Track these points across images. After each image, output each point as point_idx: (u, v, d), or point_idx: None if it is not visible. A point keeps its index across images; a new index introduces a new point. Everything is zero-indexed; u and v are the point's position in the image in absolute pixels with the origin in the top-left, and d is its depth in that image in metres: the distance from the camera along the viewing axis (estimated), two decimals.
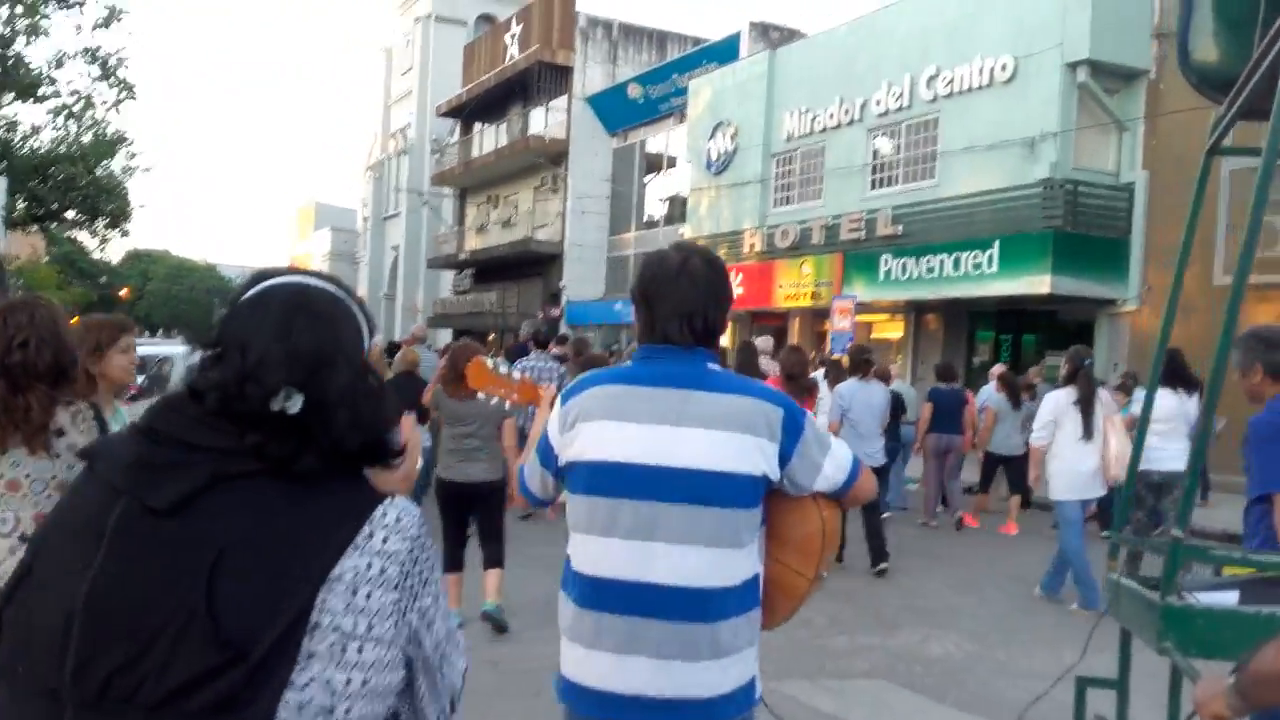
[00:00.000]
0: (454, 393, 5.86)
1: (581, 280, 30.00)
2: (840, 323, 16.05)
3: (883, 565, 7.66)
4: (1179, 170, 13.78)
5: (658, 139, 28.57)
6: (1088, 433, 6.53)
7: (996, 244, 14.45)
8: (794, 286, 18.71)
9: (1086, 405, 6.56)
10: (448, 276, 39.48)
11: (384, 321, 45.11)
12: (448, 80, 40.07)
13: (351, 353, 1.27)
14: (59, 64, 10.17)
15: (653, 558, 1.91)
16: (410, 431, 6.26)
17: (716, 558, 1.91)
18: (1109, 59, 13.92)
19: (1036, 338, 16.15)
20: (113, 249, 72.86)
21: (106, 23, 9.85)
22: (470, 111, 36.50)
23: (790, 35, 23.19)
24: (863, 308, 16.35)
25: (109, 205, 18.81)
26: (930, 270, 15.57)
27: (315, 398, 1.19)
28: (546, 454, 2.10)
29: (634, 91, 28.33)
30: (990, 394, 10.63)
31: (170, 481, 1.12)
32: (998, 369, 11.74)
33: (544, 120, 32.26)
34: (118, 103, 10.20)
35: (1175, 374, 6.90)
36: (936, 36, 16.26)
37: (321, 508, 1.15)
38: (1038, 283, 13.77)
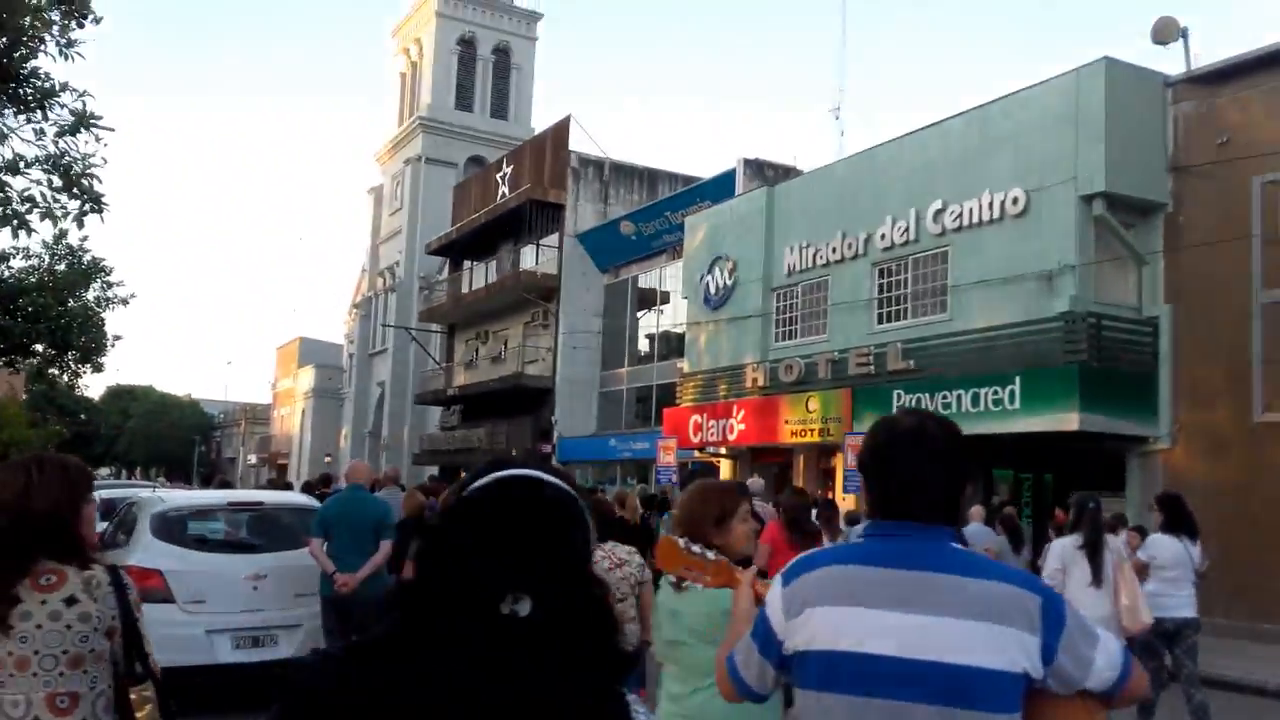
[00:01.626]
0: None
1: (573, 416, 29.30)
2: (854, 460, 15.29)
3: None
4: (1204, 303, 13.38)
5: (650, 275, 28.43)
6: (1096, 579, 6.23)
7: (1018, 379, 13.85)
8: (800, 423, 18.00)
9: (1094, 551, 6.28)
10: (435, 413, 38.69)
11: (369, 460, 44.01)
12: (437, 219, 40.40)
13: (581, 557, 1.27)
14: (14, 170, 9.25)
15: None
16: None
17: None
18: (1125, 191, 13.69)
19: (1055, 476, 15.34)
20: (93, 385, 71.98)
21: (74, 129, 9.04)
22: (460, 249, 36.58)
23: (785, 172, 23.26)
24: None
25: (81, 338, 17.91)
26: (946, 405, 14.90)
27: (546, 603, 1.19)
28: (767, 641, 1.91)
29: (626, 228, 28.35)
30: (987, 534, 9.95)
31: None
32: (977, 509, 11.19)
33: (535, 257, 32.21)
34: (82, 214, 9.17)
35: (1177, 519, 6.85)
36: (941, 171, 16.11)
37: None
38: (1065, 420, 13.11)
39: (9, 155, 9.17)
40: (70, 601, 2.35)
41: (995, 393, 14.12)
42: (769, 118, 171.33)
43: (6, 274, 16.61)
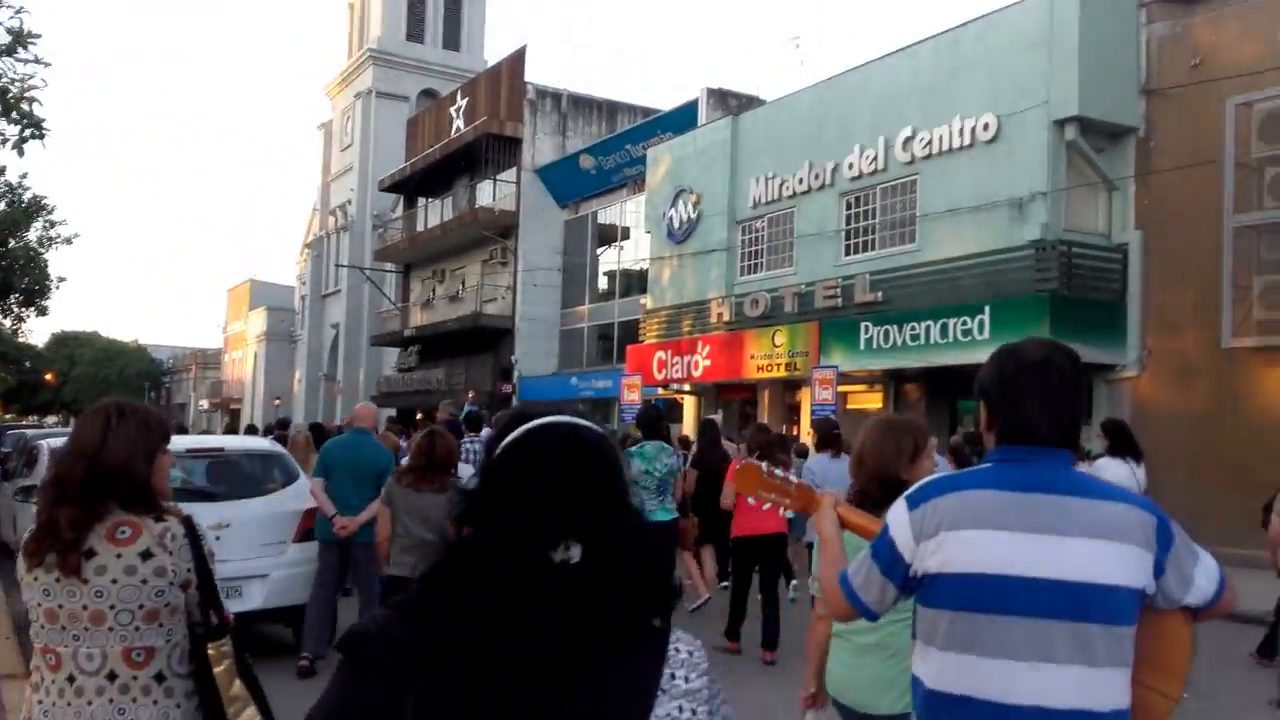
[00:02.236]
0: (416, 483, 5.63)
1: (534, 355, 28.91)
2: (821, 394, 15.15)
3: None
4: (1174, 229, 13.26)
5: (611, 210, 27.89)
6: None
7: (987, 309, 13.70)
8: (766, 357, 17.78)
9: None
10: (392, 355, 38.02)
11: (322, 403, 43.30)
12: (389, 156, 39.27)
13: (621, 497, 1.30)
14: None
15: (1041, 678, 1.81)
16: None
17: (1103, 680, 1.81)
18: (1097, 116, 13.44)
19: None
20: (37, 331, 70.00)
21: (9, 49, 8.32)
22: (414, 186, 35.63)
23: (749, 102, 22.71)
24: (840, 378, 15.44)
25: (24, 280, 17.13)
26: (915, 338, 14.76)
27: (596, 546, 1.21)
28: (891, 563, 1.96)
29: (586, 162, 27.70)
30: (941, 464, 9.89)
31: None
32: (932, 440, 11.15)
33: (492, 193, 31.43)
34: (21, 141, 8.46)
35: (1122, 444, 6.98)
36: (910, 98, 15.73)
37: (621, 657, 1.19)
38: None
39: None
40: (145, 555, 2.29)
41: (964, 323, 13.96)
42: (730, 48, 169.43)
43: None
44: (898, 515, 1.96)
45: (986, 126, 14.41)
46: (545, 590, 1.19)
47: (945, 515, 1.88)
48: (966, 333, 13.90)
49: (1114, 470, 6.78)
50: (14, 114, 8.24)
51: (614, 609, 1.20)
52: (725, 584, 9.11)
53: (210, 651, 2.37)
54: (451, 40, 46.42)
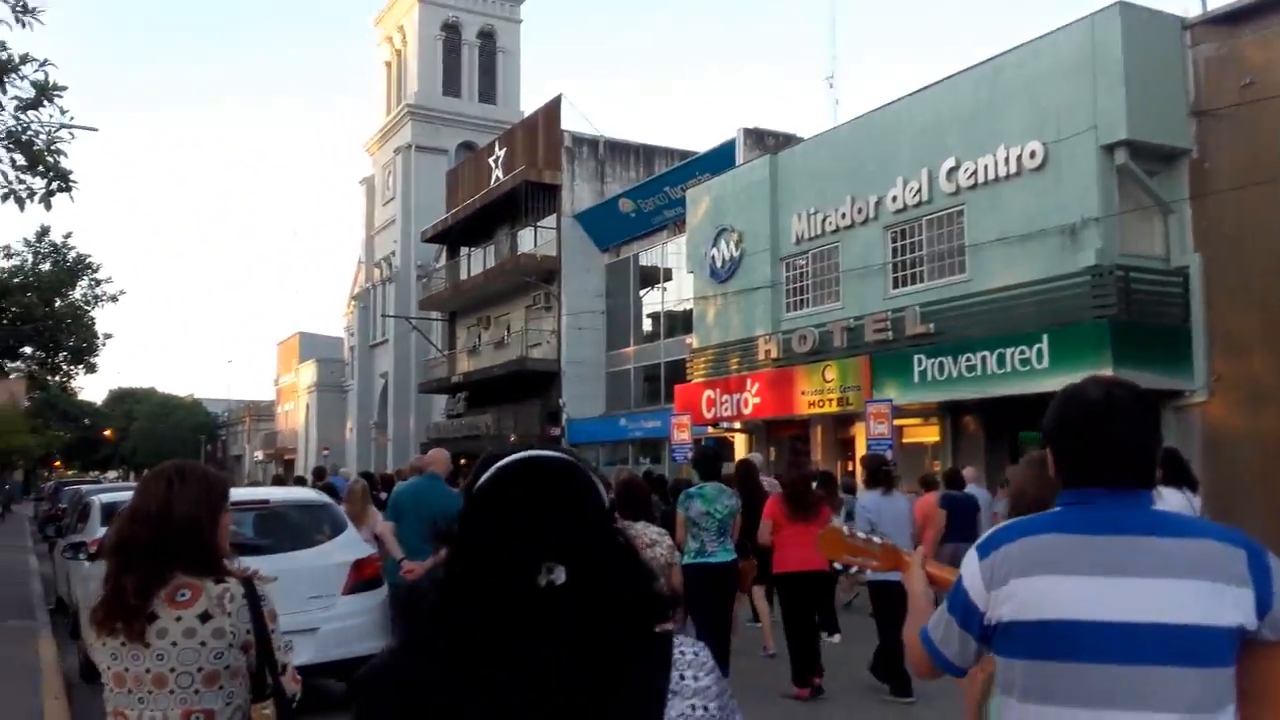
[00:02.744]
0: None
1: (581, 398, 28.95)
2: (877, 428, 14.97)
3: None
4: (1235, 251, 12.97)
5: (651, 252, 28.00)
6: None
7: (1045, 338, 13.46)
8: (817, 393, 17.62)
9: None
10: (440, 401, 38.33)
11: (373, 451, 43.70)
12: (431, 207, 39.92)
13: (599, 517, 1.34)
14: None
15: None
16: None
17: None
18: (1147, 139, 13.24)
19: None
20: (93, 387, 71.59)
21: (35, 102, 8.40)
22: (455, 235, 36.12)
23: (786, 140, 22.77)
24: (894, 411, 15.24)
25: (71, 338, 17.46)
26: (971, 368, 14.54)
27: (579, 566, 1.26)
28: (968, 614, 1.92)
29: (625, 206, 27.89)
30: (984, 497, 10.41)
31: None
32: (970, 470, 11.49)
33: (533, 239, 31.75)
34: (49, 194, 8.50)
35: (1177, 473, 6.78)
36: (952, 128, 15.64)
37: (627, 667, 1.24)
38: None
39: None
40: (204, 617, 2.30)
41: (1022, 353, 13.73)
42: (762, 90, 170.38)
43: None
44: (970, 565, 1.94)
45: (1033, 154, 14.26)
46: (535, 614, 1.23)
47: (1014, 562, 1.85)
48: (1025, 362, 13.66)
49: (1171, 500, 6.54)
50: (40, 166, 8.31)
51: (607, 624, 1.25)
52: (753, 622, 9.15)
53: (253, 715, 2.37)
54: (487, 93, 47.29)
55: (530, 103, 43.38)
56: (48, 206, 8.53)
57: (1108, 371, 12.60)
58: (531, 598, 1.24)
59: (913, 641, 2.09)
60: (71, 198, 8.70)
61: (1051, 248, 13.99)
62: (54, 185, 8.43)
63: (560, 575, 1.24)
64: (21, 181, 8.43)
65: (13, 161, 8.40)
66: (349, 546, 7.10)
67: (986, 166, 14.98)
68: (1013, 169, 14.59)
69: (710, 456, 8.33)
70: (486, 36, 47.49)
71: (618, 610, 1.26)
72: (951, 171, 15.58)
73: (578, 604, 1.24)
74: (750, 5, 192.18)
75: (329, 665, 6.76)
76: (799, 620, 7.40)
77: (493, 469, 1.34)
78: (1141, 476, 1.85)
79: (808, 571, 7.30)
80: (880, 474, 7.71)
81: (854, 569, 2.36)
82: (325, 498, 8.30)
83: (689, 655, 1.28)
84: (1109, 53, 13.31)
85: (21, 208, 8.40)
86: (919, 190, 16.17)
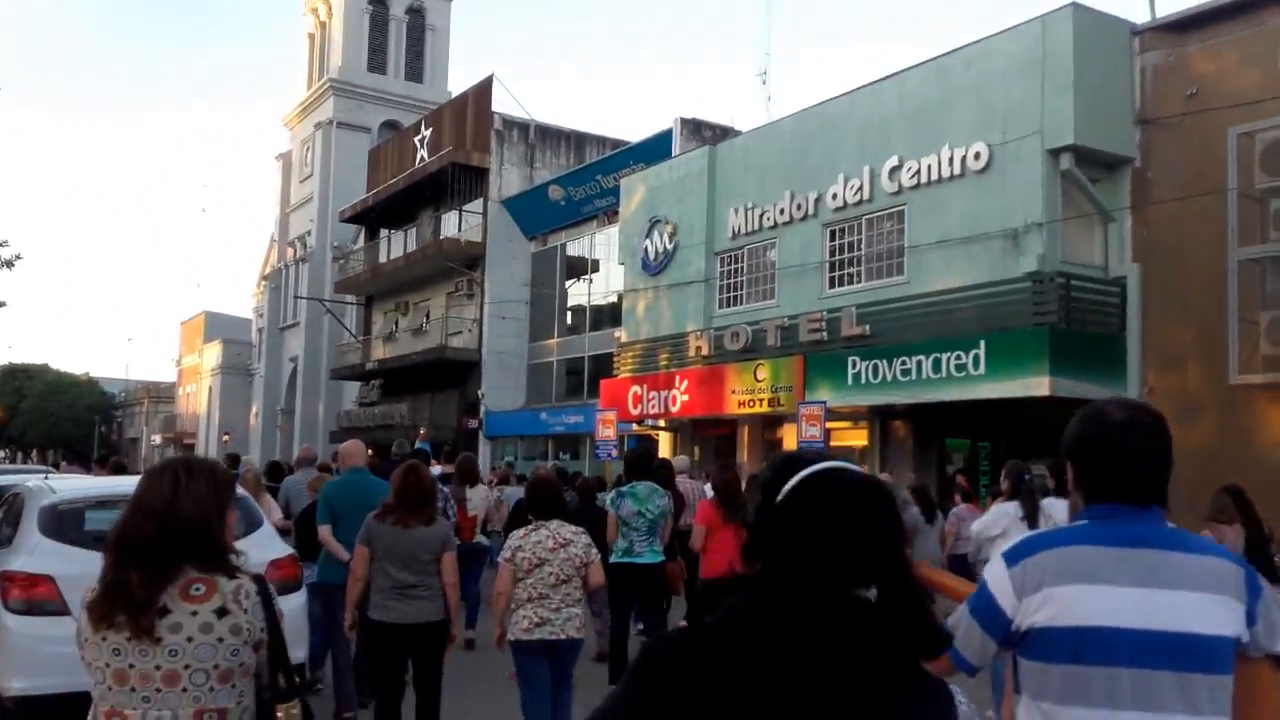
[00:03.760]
0: (403, 520, 5.36)
1: (501, 390, 28.07)
2: (809, 430, 14.52)
3: None
4: (1173, 262, 12.89)
5: (580, 242, 27.28)
6: None
7: (983, 343, 13.19)
8: (747, 392, 17.14)
9: (1032, 521, 6.49)
10: (352, 389, 36.92)
11: (280, 438, 41.95)
12: (350, 186, 38.48)
13: (902, 543, 1.38)
14: None
15: None
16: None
17: None
18: (1093, 145, 13.07)
19: (1014, 443, 14.76)
20: None
21: None
22: (376, 217, 34.80)
23: (723, 133, 22.31)
24: (826, 414, 14.84)
25: None
26: (905, 372, 14.22)
27: (888, 587, 1.32)
28: (992, 620, 2.00)
29: (555, 193, 27.10)
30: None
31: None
32: (884, 476, 11.18)
33: (458, 224, 30.69)
34: None
35: (1065, 484, 6.47)
36: (897, 126, 15.32)
37: (917, 696, 1.31)
38: (1035, 384, 12.49)
39: None
40: (221, 613, 2.26)
41: (958, 358, 13.44)
42: (696, 82, 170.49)
43: None
44: (996, 573, 2.02)
45: (978, 155, 14.00)
46: (846, 627, 1.29)
47: (1048, 571, 1.95)
48: (961, 367, 13.37)
49: (1061, 510, 6.64)
50: None
51: (907, 648, 1.30)
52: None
53: (279, 715, 2.33)
54: (414, 72, 45.87)
55: (458, 84, 42.26)
56: None
57: (1045, 380, 12.41)
58: (846, 610, 1.28)
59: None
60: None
61: (993, 252, 13.74)
62: None
63: (873, 594, 1.29)
64: None
65: None
66: (264, 545, 6.34)
67: (930, 166, 14.68)
68: (956, 170, 14.31)
69: (643, 456, 8.22)
70: (415, 13, 46.05)
71: (914, 637, 1.29)
72: (894, 170, 15.25)
73: (884, 623, 1.27)
74: None
75: None
76: None
77: (801, 476, 1.37)
78: (1158, 494, 2.01)
79: (740, 575, 6.86)
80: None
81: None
82: (237, 489, 7.38)
83: (964, 707, 1.37)
84: (1059, 55, 13.11)
85: None
86: (860, 188, 15.81)
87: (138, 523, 2.31)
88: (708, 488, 11.62)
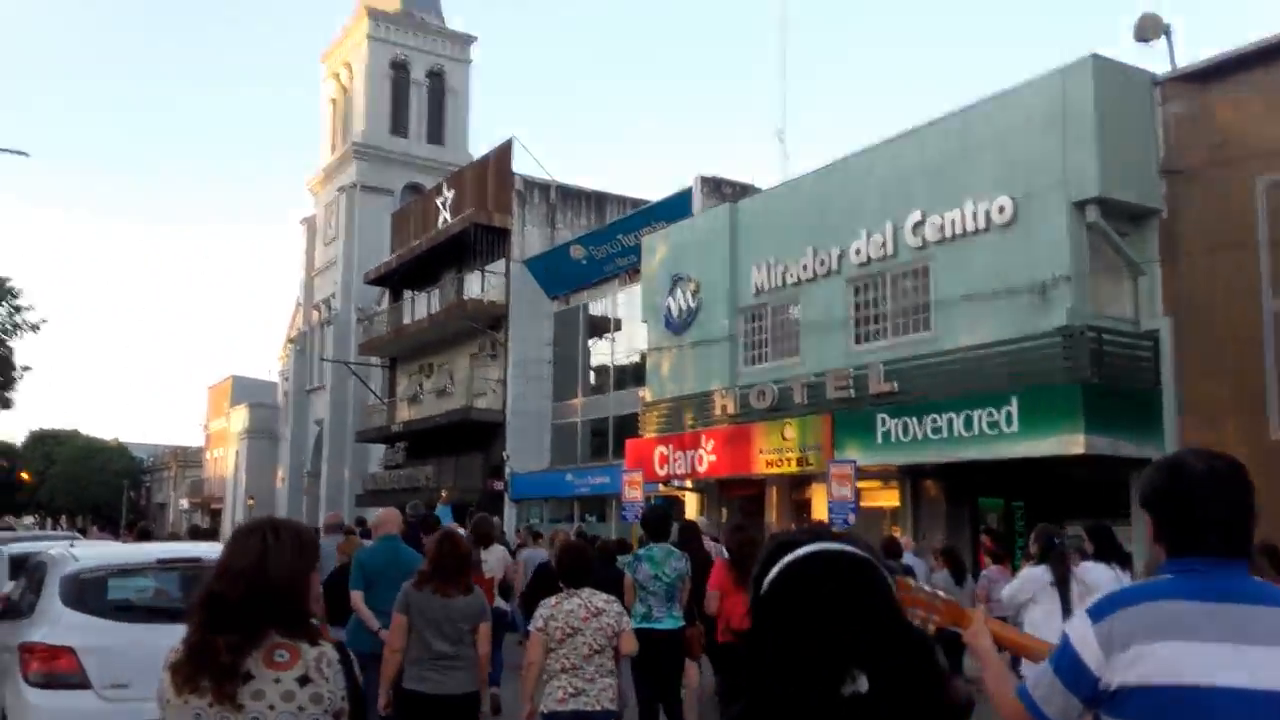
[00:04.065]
0: (442, 589, 5.32)
1: (526, 451, 27.92)
2: (839, 490, 14.26)
3: None
4: (1206, 315, 12.63)
5: (602, 301, 27.30)
6: (1067, 610, 6.16)
7: (1014, 400, 12.93)
8: (775, 452, 16.89)
9: (1063, 586, 6.31)
10: (377, 451, 36.91)
11: (307, 502, 41.92)
12: (374, 249, 38.90)
13: (895, 618, 1.33)
14: None
15: None
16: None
17: None
18: (1118, 196, 12.91)
19: (1049, 502, 14.39)
20: (12, 427, 68.37)
21: None
22: (399, 279, 35.12)
23: (743, 190, 22.33)
24: (856, 473, 14.57)
25: None
26: (936, 430, 13.95)
27: (881, 674, 1.24)
28: (1077, 678, 1.94)
29: (577, 253, 27.20)
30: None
31: None
32: (906, 540, 11.83)
33: (480, 284, 30.90)
34: None
35: (1108, 548, 6.79)
36: (918, 181, 15.24)
37: None
38: (1070, 442, 12.19)
39: None
40: (303, 680, 2.23)
41: (990, 414, 13.17)
42: (714, 143, 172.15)
43: None
44: (1080, 629, 1.97)
45: (1002, 209, 13.87)
46: None
47: (1137, 627, 1.89)
48: (993, 425, 13.10)
49: (1098, 575, 6.47)
50: None
51: None
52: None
53: None
54: (435, 135, 46.59)
55: (479, 146, 42.81)
56: None
57: (1080, 438, 12.11)
58: (834, 709, 1.22)
59: (1007, 701, 2.11)
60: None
61: (1021, 306, 13.54)
62: None
63: (863, 684, 1.23)
64: None
65: None
66: None
67: (953, 220, 14.55)
68: (981, 224, 14.17)
69: (659, 516, 7.90)
70: (436, 77, 46.91)
71: (923, 716, 1.24)
72: (917, 225, 15.14)
73: (881, 715, 1.22)
74: (703, 58, 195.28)
75: None
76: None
77: (781, 565, 1.34)
78: (1242, 547, 1.95)
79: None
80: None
81: (916, 622, 2.30)
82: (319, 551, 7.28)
83: None
84: (1080, 107, 13.02)
85: None
86: (884, 244, 15.69)
87: (226, 585, 2.27)
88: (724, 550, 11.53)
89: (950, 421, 13.75)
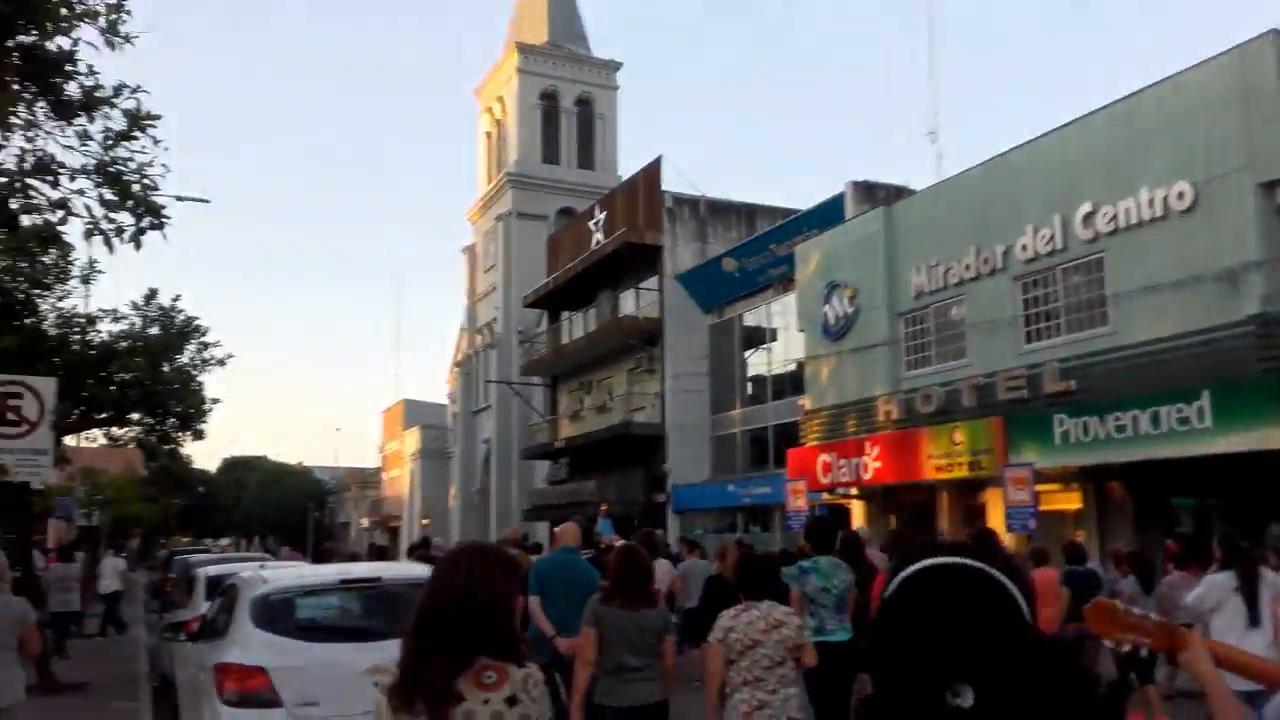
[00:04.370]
0: (628, 604, 5.39)
1: (685, 462, 28.21)
2: (1017, 494, 13.86)
3: None
4: None
5: (756, 312, 27.35)
6: (1254, 619, 5.89)
7: (1206, 394, 12.26)
8: (945, 456, 16.54)
9: (1250, 591, 5.96)
10: (542, 467, 38.07)
11: (477, 518, 43.63)
12: (532, 273, 40.18)
13: (1011, 635, 1.29)
14: (45, 170, 7.98)
15: None
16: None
17: None
18: None
19: (1249, 501, 13.51)
20: (207, 456, 74.02)
21: (127, 134, 7.84)
22: (557, 300, 36.18)
23: (896, 193, 21.99)
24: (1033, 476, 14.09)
25: (178, 404, 17.22)
26: (1120, 428, 13.36)
27: (988, 689, 1.22)
28: None
29: (729, 265, 27.38)
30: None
31: None
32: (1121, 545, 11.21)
33: (635, 302, 31.50)
34: (139, 231, 7.88)
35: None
36: (1087, 172, 14.69)
37: None
38: (1271, 437, 11.47)
39: (36, 152, 7.71)
40: (511, 701, 2.28)
41: (1179, 410, 12.53)
42: (864, 149, 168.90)
43: (95, 339, 16.09)
44: None
45: (1181, 195, 13.21)
46: None
47: None
48: (1184, 421, 12.46)
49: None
50: (129, 201, 7.64)
51: None
52: None
53: None
54: (585, 159, 47.79)
55: (627, 166, 43.67)
56: (137, 246, 7.68)
57: None
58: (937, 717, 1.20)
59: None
60: (164, 235, 7.94)
61: (1207, 295, 12.85)
62: (145, 222, 7.82)
63: (968, 698, 1.21)
64: (110, 220, 7.86)
65: (100, 197, 7.84)
66: None
67: (1128, 210, 13.95)
68: (1158, 212, 13.54)
69: (825, 527, 7.89)
70: (584, 104, 48.16)
71: None
72: (1088, 217, 14.58)
73: None
74: (848, 61, 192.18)
75: None
76: None
77: (897, 580, 1.34)
78: None
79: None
80: (1035, 553, 7.85)
81: (1125, 646, 2.26)
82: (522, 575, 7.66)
83: None
84: (1264, 84, 12.30)
85: (110, 247, 7.82)
86: (1052, 238, 15.19)
87: (436, 609, 2.33)
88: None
89: (1135, 419, 13.15)
